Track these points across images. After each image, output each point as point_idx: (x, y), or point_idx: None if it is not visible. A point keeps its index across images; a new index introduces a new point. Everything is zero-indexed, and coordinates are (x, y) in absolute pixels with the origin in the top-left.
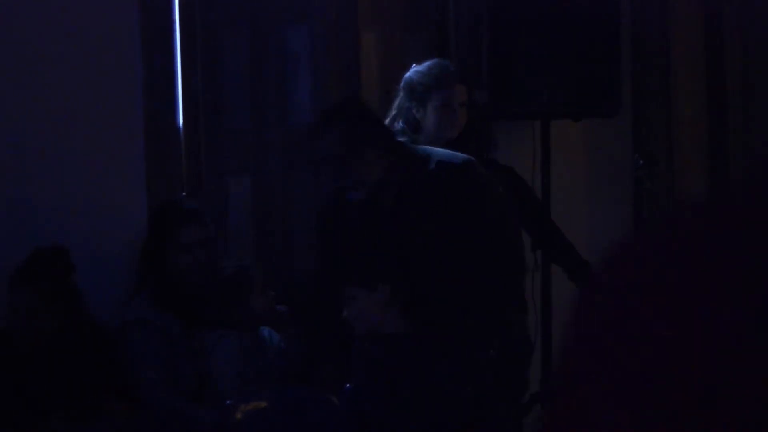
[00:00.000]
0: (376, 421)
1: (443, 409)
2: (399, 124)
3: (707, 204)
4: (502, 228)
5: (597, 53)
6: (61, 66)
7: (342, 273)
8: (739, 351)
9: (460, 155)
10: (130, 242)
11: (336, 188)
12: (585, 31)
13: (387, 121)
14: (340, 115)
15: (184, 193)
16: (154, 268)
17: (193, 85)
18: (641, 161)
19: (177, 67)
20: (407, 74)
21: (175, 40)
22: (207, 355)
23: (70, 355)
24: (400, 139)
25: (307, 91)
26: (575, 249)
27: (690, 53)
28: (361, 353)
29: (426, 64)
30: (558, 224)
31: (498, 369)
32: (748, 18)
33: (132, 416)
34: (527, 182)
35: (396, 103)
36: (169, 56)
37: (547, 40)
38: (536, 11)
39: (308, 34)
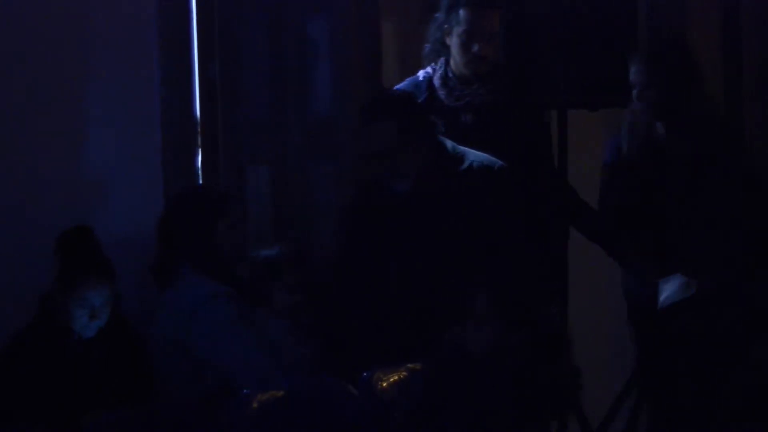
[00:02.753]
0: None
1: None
2: (426, 49)
3: None
4: (522, 227)
5: (614, 43)
6: (79, 57)
7: (462, 293)
8: None
9: (494, 159)
10: (146, 232)
11: (371, 180)
12: (602, 20)
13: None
14: (394, 106)
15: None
16: (205, 246)
17: (211, 75)
18: None
19: (194, 57)
20: None
21: (193, 30)
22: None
23: (108, 349)
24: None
25: (326, 81)
26: (592, 209)
27: (707, 43)
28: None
29: None
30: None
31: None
32: (766, 11)
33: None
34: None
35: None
36: (186, 46)
37: (563, 30)
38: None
39: (328, 23)
